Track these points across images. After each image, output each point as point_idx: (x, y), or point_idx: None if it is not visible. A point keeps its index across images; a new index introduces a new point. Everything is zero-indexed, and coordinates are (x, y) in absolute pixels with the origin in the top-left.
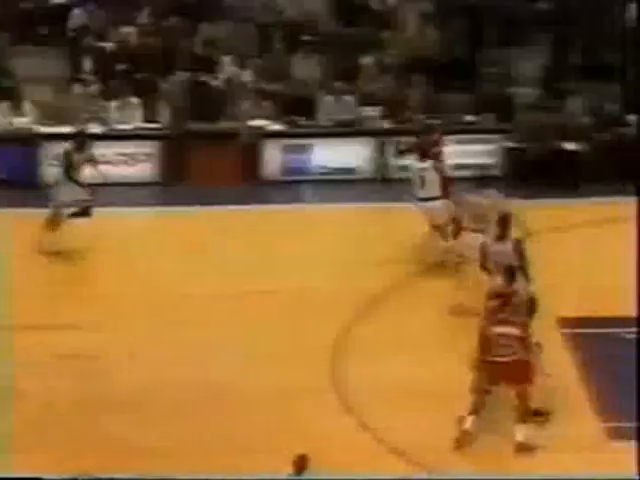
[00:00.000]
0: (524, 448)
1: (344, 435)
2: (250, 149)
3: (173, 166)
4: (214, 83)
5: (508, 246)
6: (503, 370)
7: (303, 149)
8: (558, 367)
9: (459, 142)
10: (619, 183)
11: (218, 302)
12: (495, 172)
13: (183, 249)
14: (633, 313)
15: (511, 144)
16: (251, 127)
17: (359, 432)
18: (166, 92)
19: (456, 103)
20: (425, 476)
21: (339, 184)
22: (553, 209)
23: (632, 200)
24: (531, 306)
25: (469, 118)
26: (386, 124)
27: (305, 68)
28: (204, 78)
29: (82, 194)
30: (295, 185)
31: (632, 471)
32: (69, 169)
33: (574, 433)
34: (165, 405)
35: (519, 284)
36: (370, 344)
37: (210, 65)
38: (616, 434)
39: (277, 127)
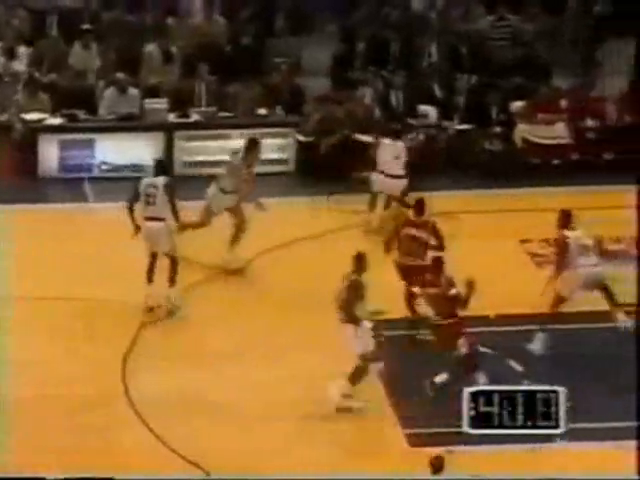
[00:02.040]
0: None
1: (138, 447)
2: (25, 144)
3: None
4: None
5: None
6: None
7: (84, 145)
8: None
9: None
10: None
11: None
12: (288, 168)
13: None
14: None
15: (302, 138)
16: (25, 121)
17: (153, 444)
18: None
19: (245, 95)
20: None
21: (125, 182)
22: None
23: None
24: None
25: (260, 111)
26: (173, 117)
27: (84, 58)
28: None
29: None
30: (76, 183)
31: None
32: None
33: (375, 437)
34: None
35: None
36: (163, 353)
37: None
38: (416, 441)
39: (55, 121)
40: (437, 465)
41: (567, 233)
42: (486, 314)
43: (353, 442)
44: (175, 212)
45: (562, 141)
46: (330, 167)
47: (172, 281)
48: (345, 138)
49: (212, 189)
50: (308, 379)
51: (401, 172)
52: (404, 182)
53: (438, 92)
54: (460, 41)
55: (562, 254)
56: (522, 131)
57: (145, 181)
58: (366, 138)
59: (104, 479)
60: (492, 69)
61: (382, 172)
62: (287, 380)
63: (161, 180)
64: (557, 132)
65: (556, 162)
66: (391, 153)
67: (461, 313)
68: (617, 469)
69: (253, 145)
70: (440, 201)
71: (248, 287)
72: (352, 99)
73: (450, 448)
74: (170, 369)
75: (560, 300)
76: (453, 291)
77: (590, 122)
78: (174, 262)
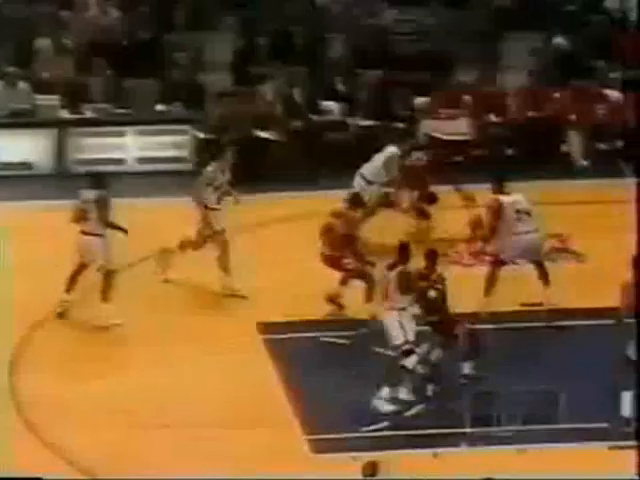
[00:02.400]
0: None
1: (26, 454)
2: None
3: None
4: None
5: None
6: None
7: None
8: (260, 376)
9: (145, 133)
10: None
11: None
12: (185, 166)
13: None
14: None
15: (202, 135)
16: None
17: (42, 450)
18: None
19: (143, 91)
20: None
21: (15, 180)
22: (251, 204)
23: (323, 194)
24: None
25: (158, 107)
26: (66, 114)
27: None
28: None
29: None
30: None
31: None
32: None
33: (278, 445)
34: None
35: None
36: (52, 357)
37: None
38: (320, 447)
39: None
40: (369, 471)
41: (502, 198)
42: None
43: (252, 450)
44: (111, 226)
45: (465, 137)
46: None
47: (105, 297)
48: (246, 135)
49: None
50: (202, 384)
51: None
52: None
53: (341, 87)
54: (364, 35)
55: (495, 219)
56: (426, 127)
57: (82, 195)
58: (268, 135)
59: None
60: (395, 64)
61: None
62: (181, 386)
63: (92, 195)
64: (460, 128)
65: (459, 159)
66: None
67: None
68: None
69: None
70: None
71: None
72: (254, 95)
73: (355, 454)
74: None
75: (498, 264)
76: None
77: (493, 117)
78: (108, 277)
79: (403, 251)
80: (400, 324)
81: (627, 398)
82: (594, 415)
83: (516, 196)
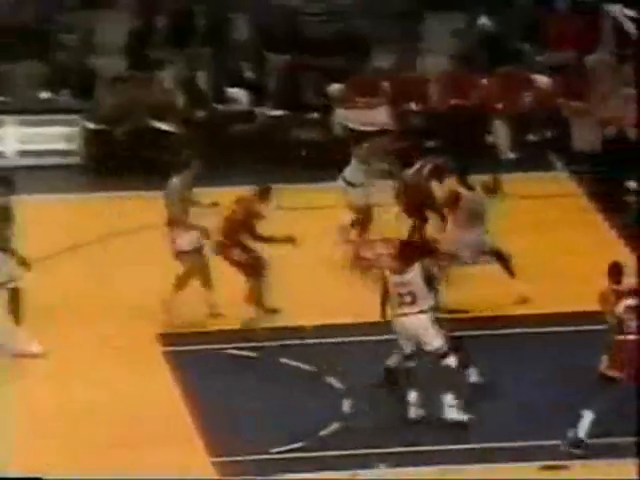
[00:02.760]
0: None
1: None
2: None
3: None
4: None
5: None
6: None
7: None
8: (161, 392)
9: (27, 124)
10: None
11: None
12: (75, 160)
13: None
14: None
15: (92, 125)
16: None
17: None
18: None
19: (25, 76)
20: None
21: None
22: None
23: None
24: None
25: (43, 95)
26: None
27: None
28: None
29: None
30: None
31: None
32: None
33: (183, 467)
34: None
35: None
36: None
37: None
38: (226, 470)
39: None
40: None
41: (462, 191)
42: (301, 324)
43: (155, 471)
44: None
45: (384, 127)
46: (125, 159)
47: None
48: (142, 126)
49: None
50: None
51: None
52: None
53: (249, 74)
54: (272, 16)
55: (450, 211)
56: (341, 117)
57: None
58: (167, 126)
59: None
60: (307, 48)
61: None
62: (79, 404)
63: None
64: (379, 117)
65: None
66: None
67: None
68: None
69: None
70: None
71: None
72: (151, 81)
73: (263, 479)
74: None
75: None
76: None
77: (413, 106)
78: (14, 296)
79: (413, 249)
80: (432, 326)
81: (588, 418)
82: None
83: (475, 194)
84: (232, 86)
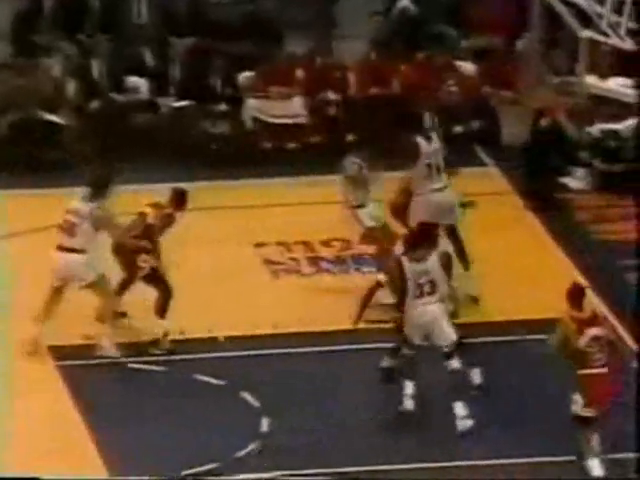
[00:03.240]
0: None
1: None
2: None
3: None
4: None
5: None
6: None
7: None
8: (57, 412)
9: None
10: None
11: None
12: None
13: None
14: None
15: None
16: None
17: None
18: None
19: None
20: None
21: None
22: (33, 202)
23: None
24: None
25: None
26: None
27: None
28: None
29: None
30: None
31: None
32: None
33: None
34: None
35: None
36: None
37: None
38: None
39: None
40: None
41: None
42: (213, 336)
43: None
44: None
45: (299, 120)
46: (9, 153)
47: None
48: (28, 117)
49: None
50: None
51: None
52: None
53: (149, 61)
54: None
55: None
56: (252, 108)
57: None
58: (55, 118)
59: None
60: (214, 32)
61: None
62: None
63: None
64: (293, 109)
65: (293, 146)
66: None
67: None
68: None
69: None
70: (150, 196)
71: None
72: (38, 70)
73: None
74: None
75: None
76: None
77: (331, 95)
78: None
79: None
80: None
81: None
82: None
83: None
84: (131, 74)
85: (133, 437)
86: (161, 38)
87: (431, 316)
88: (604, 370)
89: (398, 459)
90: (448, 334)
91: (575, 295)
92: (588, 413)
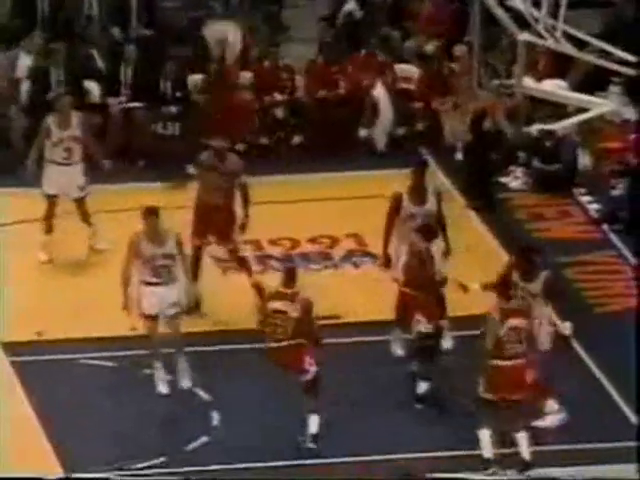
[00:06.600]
0: None
1: None
2: None
3: None
4: None
5: None
6: None
7: None
8: (10, 406)
9: None
10: None
11: None
12: None
13: None
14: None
15: None
16: None
17: None
18: None
19: None
20: None
21: None
22: None
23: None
24: None
25: None
26: None
27: None
28: None
29: None
30: None
31: None
32: None
33: None
34: None
35: None
36: None
37: None
38: None
39: None
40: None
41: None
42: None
43: None
44: None
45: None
46: None
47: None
48: None
49: None
50: None
51: None
52: None
53: (100, 62)
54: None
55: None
56: None
57: None
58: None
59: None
60: (164, 34)
61: None
62: None
63: None
64: None
65: (241, 147)
66: None
67: None
68: None
69: None
70: (99, 199)
71: None
72: None
73: None
74: None
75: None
76: None
77: (278, 97)
78: None
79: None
80: None
81: (485, 437)
82: None
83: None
84: (85, 77)
85: (84, 431)
86: (111, 41)
87: None
88: (516, 362)
89: None
90: None
91: (504, 286)
92: (487, 396)
